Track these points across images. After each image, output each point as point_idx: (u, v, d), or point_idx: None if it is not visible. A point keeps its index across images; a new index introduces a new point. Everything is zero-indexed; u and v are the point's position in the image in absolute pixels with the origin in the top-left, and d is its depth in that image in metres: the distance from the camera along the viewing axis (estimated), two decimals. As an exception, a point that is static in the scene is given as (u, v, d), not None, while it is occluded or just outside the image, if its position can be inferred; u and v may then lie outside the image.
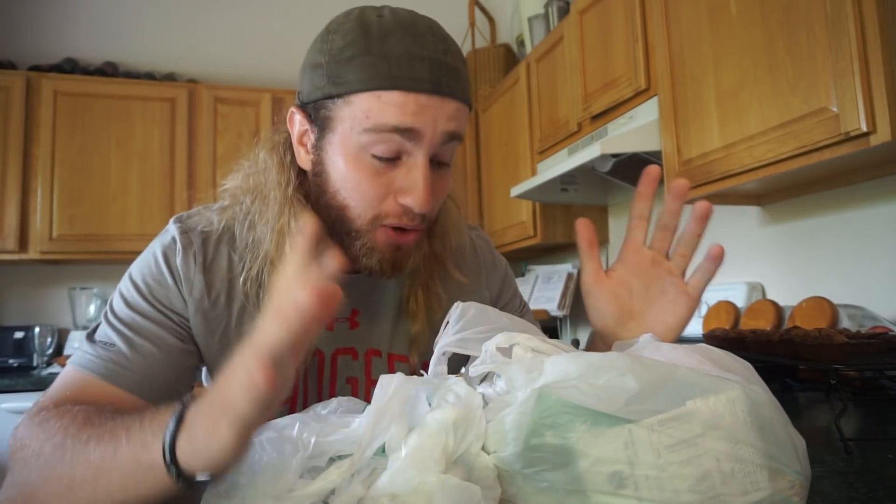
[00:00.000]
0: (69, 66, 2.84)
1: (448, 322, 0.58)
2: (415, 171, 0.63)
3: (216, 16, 3.26)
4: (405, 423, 0.47)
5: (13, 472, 0.55)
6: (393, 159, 0.63)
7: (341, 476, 0.44)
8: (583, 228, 0.70)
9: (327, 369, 0.75)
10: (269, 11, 3.33)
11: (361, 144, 0.62)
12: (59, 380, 0.65)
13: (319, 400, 0.75)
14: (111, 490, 0.49)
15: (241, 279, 0.69)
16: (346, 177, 0.65)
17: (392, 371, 0.78)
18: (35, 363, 2.65)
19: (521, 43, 2.93)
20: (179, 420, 0.46)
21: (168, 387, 0.67)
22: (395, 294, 0.79)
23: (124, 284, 0.70)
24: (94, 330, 0.68)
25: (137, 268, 0.71)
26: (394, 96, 0.60)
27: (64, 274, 2.93)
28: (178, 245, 0.70)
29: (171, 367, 0.67)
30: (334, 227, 0.68)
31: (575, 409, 0.40)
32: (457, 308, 0.59)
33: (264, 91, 2.96)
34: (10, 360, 2.64)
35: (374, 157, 0.63)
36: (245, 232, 0.71)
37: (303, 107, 0.67)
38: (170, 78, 3.00)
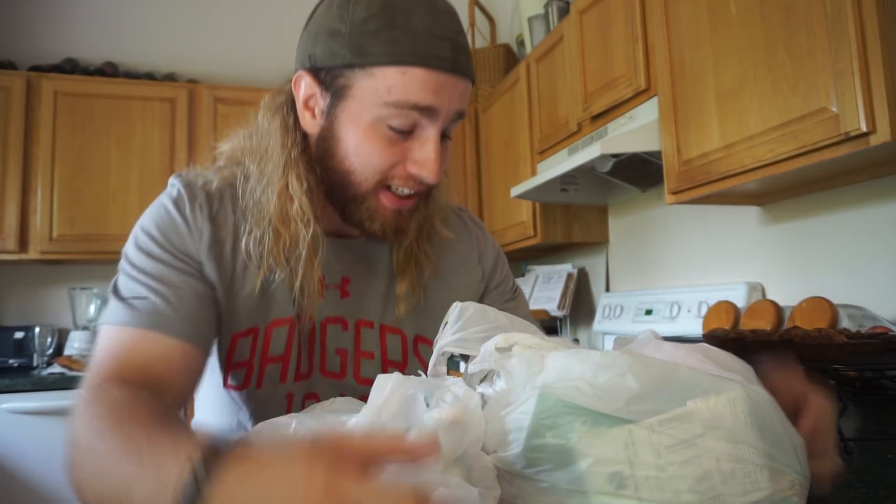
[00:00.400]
0: (69, 67, 2.84)
1: (447, 322, 0.58)
2: (427, 145, 0.66)
3: (216, 16, 3.26)
4: (402, 423, 0.47)
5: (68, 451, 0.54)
6: (407, 131, 0.66)
7: None
8: None
9: (318, 337, 0.75)
10: (269, 11, 3.33)
11: (379, 116, 0.64)
12: (102, 344, 0.64)
13: (310, 368, 0.76)
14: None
15: (244, 239, 0.70)
16: (359, 144, 0.66)
17: (383, 343, 0.79)
18: (35, 363, 2.65)
19: (521, 43, 2.93)
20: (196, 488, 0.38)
21: (207, 330, 0.68)
22: (386, 261, 0.80)
23: (139, 237, 0.69)
24: (116, 286, 0.67)
25: (150, 220, 0.70)
26: (418, 73, 0.62)
27: (64, 274, 2.92)
28: (185, 196, 0.71)
29: (204, 311, 0.68)
30: (336, 190, 0.70)
31: (575, 410, 0.40)
32: (455, 308, 0.59)
33: (264, 91, 2.93)
34: (10, 360, 2.64)
35: (390, 128, 0.65)
36: (247, 192, 0.71)
37: (313, 71, 0.67)
38: (170, 78, 3.00)
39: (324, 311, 0.75)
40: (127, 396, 0.55)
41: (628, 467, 0.38)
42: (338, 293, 0.76)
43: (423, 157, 0.66)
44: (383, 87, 0.63)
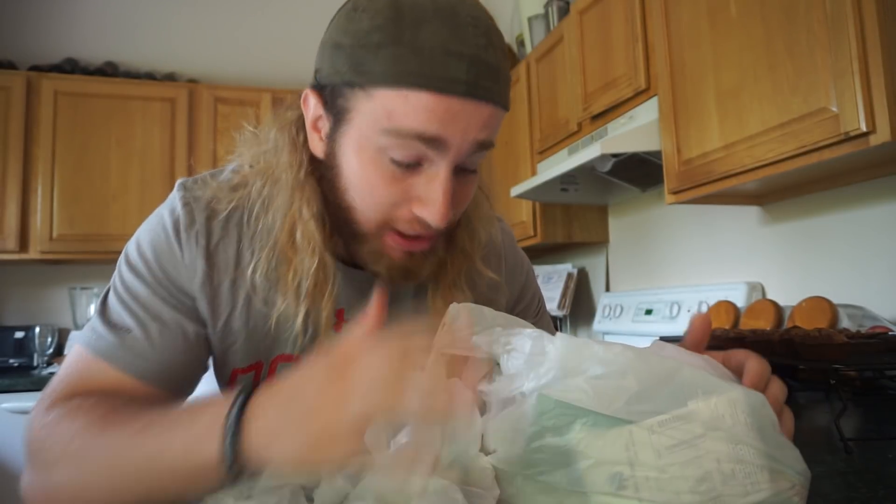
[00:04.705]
0: (69, 66, 2.84)
1: (444, 324, 0.58)
2: (435, 183, 0.56)
3: (216, 16, 3.26)
4: (394, 421, 0.47)
5: (36, 474, 0.54)
6: (413, 165, 0.56)
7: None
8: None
9: None
10: (269, 11, 3.33)
11: (379, 146, 0.56)
12: (70, 364, 0.61)
13: None
14: (152, 487, 0.49)
15: (250, 268, 0.64)
16: (358, 177, 0.58)
17: None
18: (35, 363, 2.65)
19: (521, 43, 2.93)
20: (240, 416, 0.46)
21: (185, 375, 0.64)
22: (411, 296, 0.72)
23: (134, 254, 0.64)
24: (105, 304, 0.63)
25: (147, 237, 0.65)
26: (422, 98, 0.53)
27: (64, 274, 2.93)
28: (183, 222, 0.64)
29: (189, 354, 0.64)
30: (340, 225, 0.63)
31: (575, 410, 0.40)
32: (452, 309, 0.59)
33: (264, 91, 2.96)
34: (11, 360, 2.64)
35: (393, 161, 0.56)
36: (254, 218, 0.65)
37: (319, 89, 0.60)
38: (170, 78, 3.00)
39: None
40: (99, 400, 0.56)
41: (628, 468, 0.38)
42: None
43: (429, 197, 0.56)
44: (382, 112, 0.54)
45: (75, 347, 0.62)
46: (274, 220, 0.63)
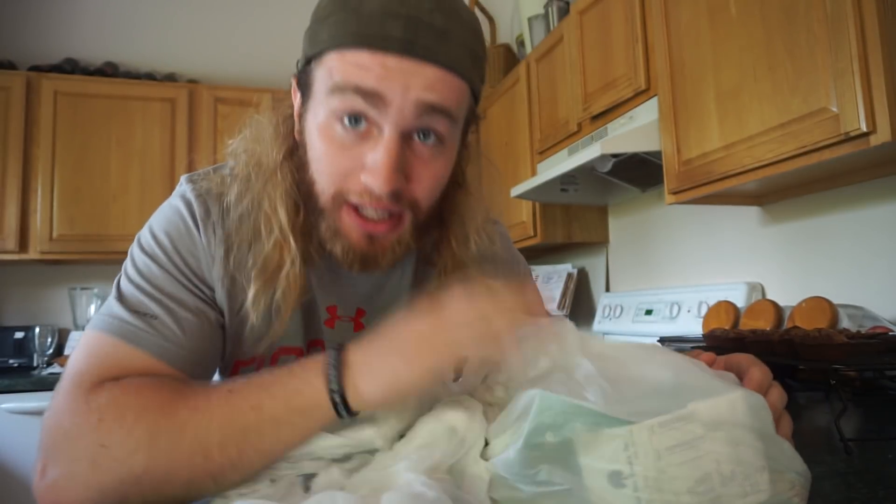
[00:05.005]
0: (69, 67, 2.84)
1: None
2: (379, 147, 0.56)
3: (216, 16, 3.26)
4: (397, 421, 0.48)
5: (80, 466, 0.48)
6: (362, 131, 0.56)
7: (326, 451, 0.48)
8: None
9: None
10: (269, 11, 3.33)
11: (331, 108, 0.57)
12: (93, 350, 0.56)
13: None
14: (254, 447, 0.49)
15: (250, 261, 0.63)
16: (316, 148, 0.59)
17: None
18: (35, 363, 2.65)
19: (521, 43, 2.93)
20: (340, 363, 0.49)
21: (208, 364, 0.63)
22: (408, 300, 0.72)
23: (151, 243, 0.62)
24: (120, 291, 0.60)
25: (163, 226, 0.63)
26: (358, 55, 0.54)
27: (64, 274, 2.93)
28: (198, 212, 0.63)
29: (213, 342, 0.63)
30: (312, 207, 0.62)
31: (575, 410, 0.40)
32: None
33: (264, 91, 2.95)
34: (11, 361, 2.64)
35: (343, 126, 0.56)
36: (246, 209, 0.64)
37: (297, 75, 0.63)
38: (170, 78, 3.00)
39: (334, 342, 0.68)
40: (170, 381, 0.54)
41: (628, 467, 0.38)
42: (350, 325, 0.70)
43: (374, 162, 0.56)
44: (327, 72, 0.56)
45: (91, 334, 0.57)
46: (250, 207, 0.63)
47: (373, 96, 0.54)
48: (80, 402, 0.51)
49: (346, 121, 0.56)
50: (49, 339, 2.64)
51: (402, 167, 0.57)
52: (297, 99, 0.63)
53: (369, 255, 0.62)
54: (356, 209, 0.59)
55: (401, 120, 0.55)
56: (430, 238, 0.71)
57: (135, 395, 0.51)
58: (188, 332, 0.59)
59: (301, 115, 0.62)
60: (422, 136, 0.58)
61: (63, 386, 0.53)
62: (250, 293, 0.62)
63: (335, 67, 0.55)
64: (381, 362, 0.49)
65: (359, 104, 0.55)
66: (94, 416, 0.49)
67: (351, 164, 0.57)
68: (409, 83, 0.54)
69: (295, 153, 0.64)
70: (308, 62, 0.59)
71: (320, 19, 0.57)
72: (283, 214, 0.62)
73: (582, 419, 0.39)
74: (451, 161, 0.63)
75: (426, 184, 0.60)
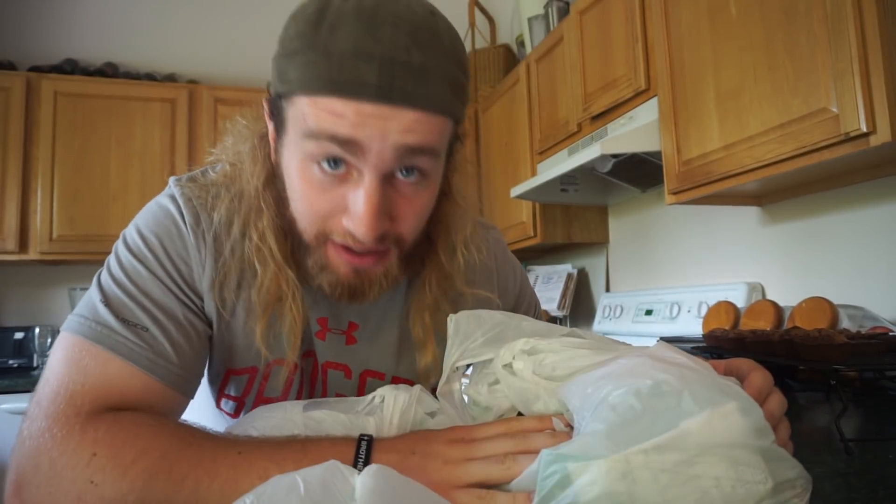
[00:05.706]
0: (69, 67, 2.84)
1: (449, 338, 0.58)
2: (359, 193, 0.53)
3: (216, 16, 3.26)
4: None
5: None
6: (340, 174, 0.54)
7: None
8: None
9: (319, 378, 0.70)
10: (268, 12, 3.33)
11: (306, 152, 0.54)
12: (82, 364, 0.53)
13: None
14: None
15: (248, 274, 0.63)
16: (294, 188, 0.57)
17: None
18: (35, 364, 2.65)
19: (521, 43, 2.93)
20: (369, 456, 0.49)
21: (196, 377, 0.61)
22: (399, 314, 0.71)
23: (139, 244, 0.60)
24: (104, 293, 0.58)
25: (152, 228, 0.61)
26: (331, 103, 0.51)
27: (64, 274, 2.93)
28: (189, 217, 0.62)
29: (201, 355, 0.61)
30: (296, 237, 0.61)
31: (566, 458, 0.39)
32: (451, 321, 0.59)
33: (264, 91, 2.95)
34: (10, 361, 2.64)
35: (322, 169, 0.54)
36: (234, 223, 0.63)
37: (268, 101, 0.60)
38: (170, 78, 3.00)
39: (325, 354, 0.69)
40: (173, 426, 0.52)
41: (628, 498, 0.37)
42: (342, 338, 0.69)
43: (355, 208, 0.53)
44: (300, 116, 0.53)
45: (76, 341, 0.55)
46: (238, 233, 0.62)
47: (349, 144, 0.52)
48: (74, 431, 0.48)
49: (324, 164, 0.54)
50: (49, 340, 2.64)
51: (385, 209, 0.55)
52: (270, 126, 0.60)
53: (357, 287, 0.60)
54: (342, 244, 0.58)
55: (380, 164, 0.53)
56: (417, 254, 0.68)
57: (135, 434, 0.49)
58: (179, 347, 0.58)
59: (276, 146, 0.60)
60: (404, 172, 0.55)
61: (55, 405, 0.50)
62: (257, 331, 0.61)
63: (308, 113, 0.52)
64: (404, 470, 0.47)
65: (336, 150, 0.52)
66: (89, 449, 0.47)
67: (331, 206, 0.55)
68: (387, 128, 0.51)
69: (273, 182, 0.62)
70: (276, 96, 0.56)
71: (288, 54, 0.53)
72: (273, 243, 0.61)
73: (573, 461, 0.39)
74: (435, 191, 0.61)
75: (411, 221, 0.59)
